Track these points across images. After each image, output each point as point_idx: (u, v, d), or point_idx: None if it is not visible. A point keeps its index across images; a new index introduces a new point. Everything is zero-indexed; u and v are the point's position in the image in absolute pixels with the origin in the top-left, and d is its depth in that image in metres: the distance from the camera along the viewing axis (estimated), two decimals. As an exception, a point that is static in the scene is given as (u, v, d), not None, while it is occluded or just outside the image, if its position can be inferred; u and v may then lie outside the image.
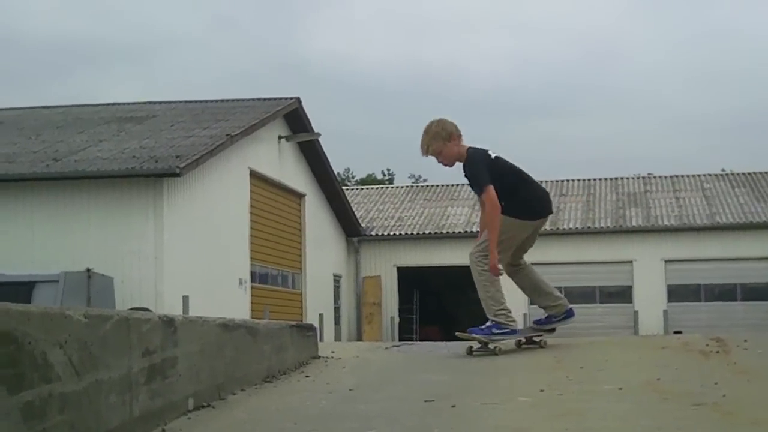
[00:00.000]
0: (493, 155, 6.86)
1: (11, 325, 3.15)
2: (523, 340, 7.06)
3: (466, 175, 7.05)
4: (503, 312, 6.74)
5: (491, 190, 6.61)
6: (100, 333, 3.82)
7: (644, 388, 5.21)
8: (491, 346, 6.63)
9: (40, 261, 17.20)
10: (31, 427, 3.18)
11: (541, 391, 5.20)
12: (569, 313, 7.23)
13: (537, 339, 7.08)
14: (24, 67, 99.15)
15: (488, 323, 6.71)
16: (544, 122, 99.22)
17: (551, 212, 7.39)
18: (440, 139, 6.71)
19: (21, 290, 15.15)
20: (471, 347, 6.75)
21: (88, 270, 16.35)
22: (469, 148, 6.89)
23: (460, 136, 6.81)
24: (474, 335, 6.70)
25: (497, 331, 6.68)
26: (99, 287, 16.33)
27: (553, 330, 7.21)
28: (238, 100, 25.82)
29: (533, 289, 7.37)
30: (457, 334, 7.07)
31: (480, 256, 6.82)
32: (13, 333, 3.15)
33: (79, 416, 3.52)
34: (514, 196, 6.79)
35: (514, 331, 6.83)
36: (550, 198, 7.46)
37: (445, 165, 7.04)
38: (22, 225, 18.76)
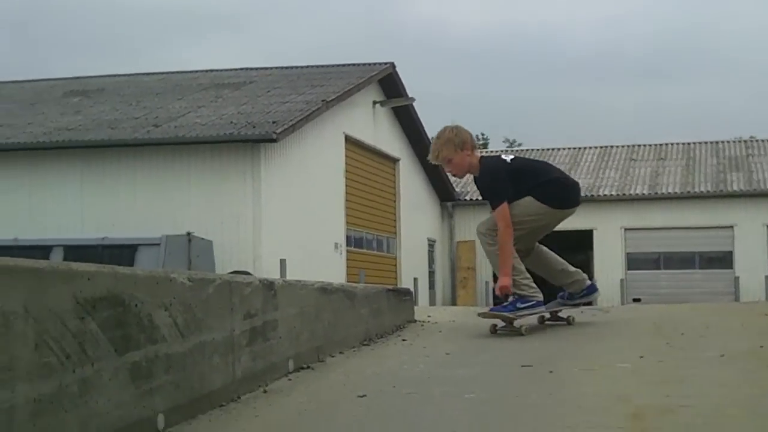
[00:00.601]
0: (508, 159, 6.45)
1: (119, 288, 3.24)
2: (548, 315, 6.48)
3: (479, 187, 6.62)
4: (526, 282, 6.17)
5: (505, 207, 6.16)
6: (203, 296, 3.91)
7: (747, 355, 5.10)
8: (517, 324, 6.05)
9: (142, 225, 17.63)
10: (138, 386, 3.28)
11: (641, 357, 5.14)
12: (591, 289, 6.63)
13: (564, 315, 6.51)
14: (124, 35, 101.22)
15: (511, 298, 6.13)
16: (644, 86, 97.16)
17: (578, 203, 6.68)
18: (452, 146, 6.18)
19: (125, 253, 15.58)
20: (495, 326, 6.19)
21: (189, 233, 16.71)
22: (482, 157, 6.43)
23: (474, 147, 6.31)
24: (499, 313, 6.19)
25: (522, 306, 6.10)
26: (199, 250, 16.67)
27: (578, 305, 6.62)
28: (332, 66, 25.91)
29: (548, 270, 6.68)
30: (479, 314, 6.61)
31: (488, 230, 6.32)
32: (121, 296, 3.24)
33: (184, 377, 3.62)
34: (542, 184, 6.30)
35: (539, 303, 6.22)
36: (579, 189, 6.78)
37: (454, 175, 6.69)
38: (125, 190, 19.23)
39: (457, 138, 6.17)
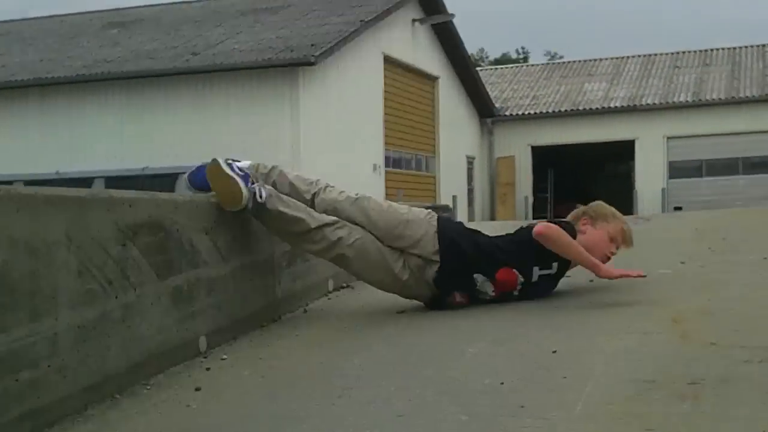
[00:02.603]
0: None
1: (160, 214, 3.28)
2: None
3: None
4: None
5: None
6: (242, 218, 3.95)
7: (790, 258, 5.06)
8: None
9: (183, 153, 17.73)
10: (180, 310, 3.34)
11: (682, 263, 5.13)
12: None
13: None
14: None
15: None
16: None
17: None
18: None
19: (165, 182, 15.72)
20: None
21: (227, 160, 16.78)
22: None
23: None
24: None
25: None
26: (240, 177, 16.77)
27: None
28: (369, -16, 25.57)
29: None
30: None
31: None
32: (161, 221, 3.28)
33: (226, 299, 3.68)
34: None
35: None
36: None
37: None
38: (165, 119, 19.31)
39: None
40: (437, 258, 4.01)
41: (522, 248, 4.09)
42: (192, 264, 3.47)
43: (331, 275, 4.85)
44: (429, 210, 4.21)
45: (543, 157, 30.61)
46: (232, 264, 3.80)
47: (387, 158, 23.08)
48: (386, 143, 22.92)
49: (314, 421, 2.55)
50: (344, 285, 5.09)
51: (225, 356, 3.38)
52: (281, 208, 3.85)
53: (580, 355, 3.20)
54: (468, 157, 29.25)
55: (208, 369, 3.26)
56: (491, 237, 4.21)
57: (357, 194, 4.12)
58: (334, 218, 3.99)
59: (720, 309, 3.81)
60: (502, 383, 2.84)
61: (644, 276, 3.98)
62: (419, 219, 4.07)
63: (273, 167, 4.13)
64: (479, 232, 4.25)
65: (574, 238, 4.13)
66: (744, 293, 4.19)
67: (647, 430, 2.29)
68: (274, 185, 4.00)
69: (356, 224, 3.99)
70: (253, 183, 3.85)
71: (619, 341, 3.38)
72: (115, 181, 15.75)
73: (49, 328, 2.59)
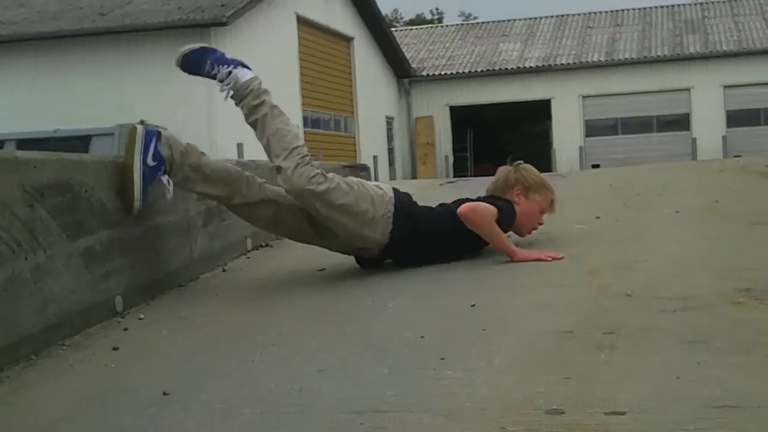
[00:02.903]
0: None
1: (67, 175, 3.20)
2: None
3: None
4: None
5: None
6: (155, 178, 3.86)
7: (703, 210, 5.17)
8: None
9: (96, 116, 17.36)
10: (92, 271, 3.27)
11: (597, 218, 5.19)
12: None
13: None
14: None
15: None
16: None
17: None
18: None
19: (78, 144, 15.35)
20: None
21: (142, 122, 16.47)
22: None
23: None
24: None
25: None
26: (154, 139, 16.51)
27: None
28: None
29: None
30: None
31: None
32: (69, 182, 3.20)
33: (140, 259, 3.61)
34: None
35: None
36: None
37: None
38: (75, 81, 18.86)
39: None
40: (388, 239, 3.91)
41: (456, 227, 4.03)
42: (104, 224, 3.39)
43: (249, 234, 4.80)
44: (381, 188, 3.94)
45: (461, 117, 30.79)
46: (146, 224, 3.72)
47: (305, 119, 22.94)
48: (304, 104, 22.77)
49: (237, 378, 2.52)
50: (263, 244, 5.04)
51: (143, 316, 3.32)
52: (200, 190, 3.70)
53: (498, 308, 3.23)
54: (387, 118, 29.25)
55: (125, 329, 3.20)
56: (431, 215, 4.10)
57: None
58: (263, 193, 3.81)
59: (635, 262, 3.87)
60: (423, 337, 2.84)
61: (561, 258, 3.97)
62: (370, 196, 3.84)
63: (195, 153, 3.72)
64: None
65: (512, 211, 4.14)
66: (658, 247, 4.26)
67: (565, 378, 2.32)
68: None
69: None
70: (163, 173, 3.56)
71: (538, 295, 3.42)
72: (27, 144, 15.34)
73: (-45, 290, 2.50)
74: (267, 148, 3.67)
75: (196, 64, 3.60)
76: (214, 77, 3.60)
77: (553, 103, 29.39)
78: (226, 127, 18.27)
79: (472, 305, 3.24)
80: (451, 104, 30.52)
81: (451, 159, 30.04)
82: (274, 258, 4.64)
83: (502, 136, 33.70)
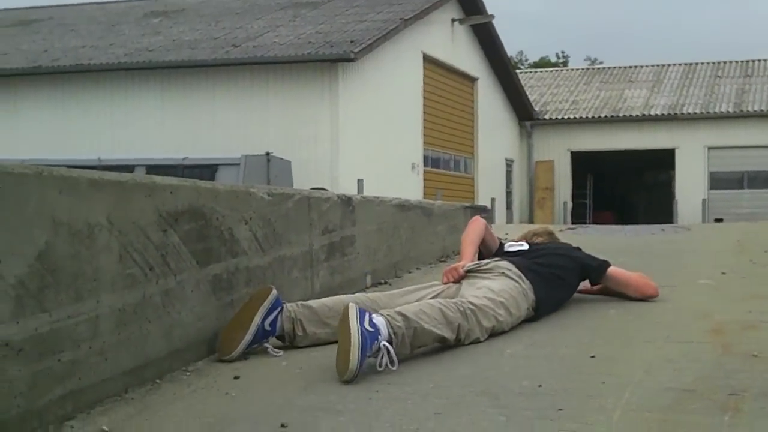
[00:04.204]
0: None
1: (201, 202, 3.28)
2: None
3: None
4: None
5: None
6: (282, 210, 3.95)
7: (834, 273, 4.99)
8: None
9: (222, 145, 17.79)
10: (219, 298, 3.35)
11: (723, 273, 5.07)
12: None
13: None
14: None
15: None
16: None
17: None
18: None
19: (205, 173, 15.79)
20: None
21: (268, 153, 16.83)
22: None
23: None
24: None
25: None
26: (278, 170, 16.82)
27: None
28: (410, -18, 25.54)
29: None
30: None
31: None
32: (201, 209, 3.28)
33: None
34: None
35: None
36: None
37: None
38: (204, 111, 19.39)
39: None
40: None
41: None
42: (232, 253, 3.47)
43: (369, 271, 4.85)
44: (515, 276, 3.95)
45: (582, 162, 30.43)
46: (271, 255, 3.80)
47: (425, 158, 23.04)
48: (425, 142, 22.89)
49: (351, 415, 2.54)
50: (382, 281, 5.09)
51: (265, 346, 3.38)
52: (415, 342, 3.26)
53: (619, 361, 3.17)
54: (507, 160, 29.14)
55: (246, 358, 3.26)
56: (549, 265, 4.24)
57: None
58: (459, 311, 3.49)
59: (761, 321, 3.76)
60: (540, 386, 2.81)
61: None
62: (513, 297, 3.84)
63: (405, 318, 3.23)
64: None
65: None
66: (786, 306, 4.13)
67: (688, 439, 2.26)
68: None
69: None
70: (379, 345, 3.06)
71: (659, 350, 3.35)
72: (156, 170, 15.83)
73: (90, 309, 2.60)
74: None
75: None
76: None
77: (677, 153, 28.78)
78: (349, 164, 18.52)
79: (592, 356, 3.20)
80: (572, 149, 30.21)
81: (569, 205, 29.68)
82: (392, 295, 4.66)
83: (624, 185, 33.14)
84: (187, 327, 3.11)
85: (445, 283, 4.01)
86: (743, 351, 3.21)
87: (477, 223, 4.63)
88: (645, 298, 4.33)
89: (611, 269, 4.44)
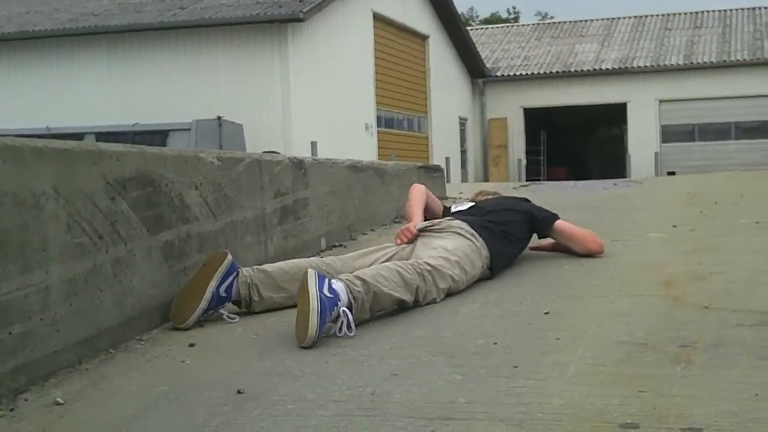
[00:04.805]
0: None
1: (148, 168, 3.24)
2: None
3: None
4: None
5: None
6: (233, 175, 3.91)
7: (782, 223, 5.06)
8: None
9: (172, 110, 17.59)
10: (171, 265, 3.32)
11: (674, 227, 5.12)
12: None
13: None
14: None
15: None
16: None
17: None
18: None
19: (156, 139, 15.63)
20: None
21: (219, 117, 16.69)
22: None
23: None
24: None
25: None
26: (230, 134, 16.68)
27: None
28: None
29: None
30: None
31: None
32: (150, 176, 3.24)
33: (217, 255, 3.64)
34: None
35: None
36: None
37: None
38: (153, 75, 19.14)
39: None
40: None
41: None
42: (182, 219, 3.44)
43: (323, 233, 4.83)
44: (468, 235, 3.93)
45: (535, 119, 30.54)
46: (223, 220, 3.77)
47: (379, 118, 22.98)
48: (378, 102, 22.81)
49: (309, 378, 2.54)
50: (336, 244, 5.07)
51: (222, 312, 3.36)
52: (375, 307, 3.25)
53: (572, 317, 3.20)
54: (460, 118, 29.16)
55: (201, 325, 3.24)
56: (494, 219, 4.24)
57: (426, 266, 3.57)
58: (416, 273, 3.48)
59: (711, 273, 3.81)
60: (495, 343, 2.83)
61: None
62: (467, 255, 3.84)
63: (364, 282, 3.22)
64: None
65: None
66: (735, 258, 4.18)
67: (640, 391, 2.29)
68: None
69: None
70: (338, 311, 3.03)
71: (611, 303, 3.38)
72: (105, 137, 15.64)
73: (40, 280, 2.56)
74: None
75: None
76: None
77: (629, 106, 28.97)
78: (301, 126, 18.41)
79: (546, 312, 3.22)
80: (525, 106, 30.29)
81: (524, 162, 29.82)
82: (346, 257, 4.65)
83: (577, 140, 33.34)
84: (139, 295, 3.08)
85: (399, 245, 4.01)
86: (694, 303, 3.25)
87: (418, 189, 4.62)
88: (591, 254, 4.37)
89: (558, 222, 4.45)
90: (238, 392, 2.40)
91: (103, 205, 2.91)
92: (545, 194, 7.44)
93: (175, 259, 3.34)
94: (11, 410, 2.31)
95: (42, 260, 2.58)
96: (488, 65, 30.59)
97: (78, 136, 15.61)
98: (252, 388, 2.44)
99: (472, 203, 4.54)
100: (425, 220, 4.34)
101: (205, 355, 2.87)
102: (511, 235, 4.18)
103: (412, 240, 4.01)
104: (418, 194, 4.55)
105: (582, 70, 29.65)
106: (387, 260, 3.75)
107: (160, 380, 2.59)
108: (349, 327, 3.03)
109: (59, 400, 2.38)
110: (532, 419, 2.12)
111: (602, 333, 2.94)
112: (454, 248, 3.79)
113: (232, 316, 3.36)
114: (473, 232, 3.96)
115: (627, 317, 3.12)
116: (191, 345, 2.96)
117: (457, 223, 4.02)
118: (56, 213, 2.67)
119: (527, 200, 4.62)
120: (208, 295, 3.27)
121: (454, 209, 4.51)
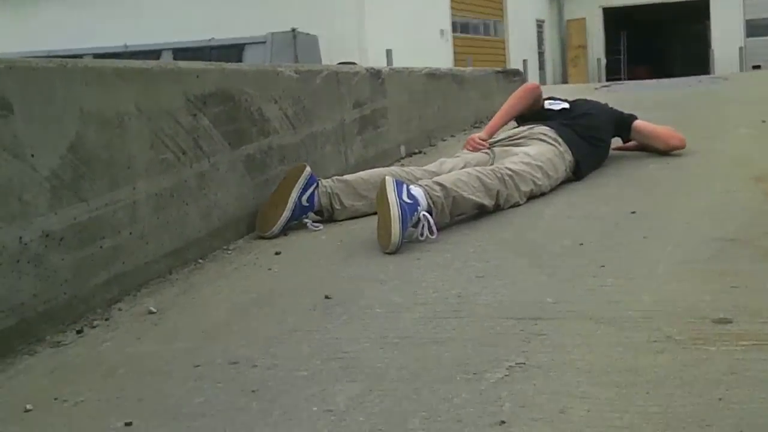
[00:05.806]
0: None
1: (228, 84, 3.26)
2: None
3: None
4: None
5: None
6: (311, 87, 3.91)
7: None
8: None
9: (247, 24, 17.57)
10: (254, 177, 3.35)
11: (763, 121, 4.98)
12: None
13: None
14: None
15: None
16: None
17: None
18: None
19: (231, 53, 15.64)
20: None
21: (293, 30, 16.61)
22: None
23: None
24: None
25: None
26: (304, 46, 16.60)
27: None
28: None
29: None
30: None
31: None
32: (230, 91, 3.26)
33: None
34: None
35: None
36: None
37: None
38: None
39: None
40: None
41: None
42: (263, 133, 3.46)
43: (402, 141, 4.82)
44: (551, 140, 3.88)
45: (614, 18, 29.76)
46: (303, 132, 3.78)
47: (454, 24, 22.64)
48: (452, 8, 22.46)
49: (394, 283, 2.55)
50: (416, 151, 5.06)
51: (305, 220, 3.39)
52: (455, 211, 3.23)
53: (659, 215, 3.15)
54: (537, 21, 28.57)
55: (286, 234, 3.28)
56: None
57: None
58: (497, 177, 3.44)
59: (804, 166, 3.71)
60: (581, 244, 2.80)
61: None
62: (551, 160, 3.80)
63: (443, 187, 3.20)
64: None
65: None
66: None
67: (732, 287, 2.25)
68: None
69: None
70: (418, 216, 3.03)
71: (700, 201, 3.32)
72: (183, 53, 15.72)
73: (127, 196, 2.61)
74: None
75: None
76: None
77: (711, 2, 28.03)
78: (376, 35, 18.26)
79: (632, 212, 3.18)
80: (604, 6, 29.51)
81: (603, 62, 29.17)
82: (427, 162, 4.64)
83: (658, 39, 32.44)
84: (224, 207, 3.13)
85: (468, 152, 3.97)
86: (786, 197, 3.17)
87: (514, 94, 4.44)
88: (673, 149, 4.29)
89: (637, 122, 4.41)
90: (326, 297, 2.43)
91: (185, 122, 2.94)
92: (627, 94, 7.28)
93: (257, 171, 3.37)
94: (106, 320, 2.38)
95: (128, 177, 2.62)
96: (566, -35, 29.80)
97: (155, 53, 15.74)
98: (339, 293, 2.46)
99: (565, 105, 4.42)
100: (524, 116, 4.27)
101: (291, 262, 2.90)
102: (595, 138, 4.12)
103: (476, 149, 3.97)
104: (509, 103, 4.39)
105: (663, -34, 28.71)
106: (466, 167, 3.73)
107: (249, 287, 2.64)
108: (431, 230, 3.03)
109: (152, 308, 2.44)
110: (622, 317, 2.10)
111: (692, 230, 2.90)
112: (536, 153, 3.74)
113: (316, 224, 3.40)
114: (556, 137, 3.90)
115: (717, 214, 3.06)
116: (277, 253, 3.00)
117: (539, 129, 3.96)
118: (140, 131, 2.71)
119: (606, 105, 4.55)
120: (291, 204, 3.31)
121: (547, 105, 4.41)
